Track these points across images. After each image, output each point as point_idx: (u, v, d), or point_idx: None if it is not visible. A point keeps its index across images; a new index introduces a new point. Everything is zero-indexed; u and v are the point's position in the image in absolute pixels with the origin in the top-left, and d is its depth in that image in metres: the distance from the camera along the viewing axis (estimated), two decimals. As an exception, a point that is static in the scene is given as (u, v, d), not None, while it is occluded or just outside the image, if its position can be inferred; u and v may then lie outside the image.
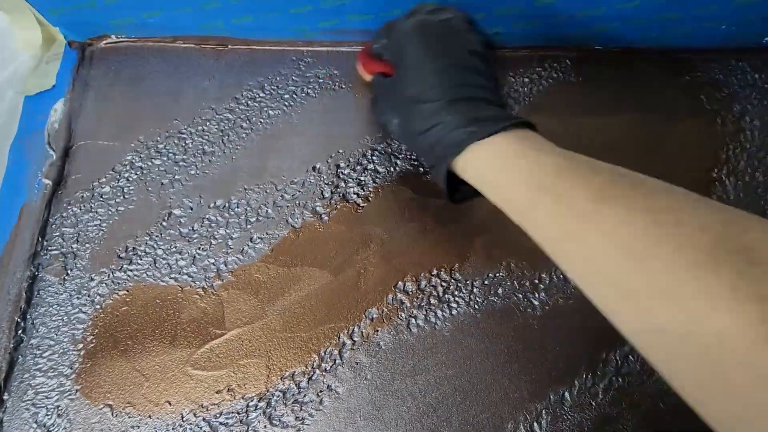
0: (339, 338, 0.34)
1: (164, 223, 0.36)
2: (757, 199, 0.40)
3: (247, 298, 0.34)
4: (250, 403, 0.32)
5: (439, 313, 0.35)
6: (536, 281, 0.36)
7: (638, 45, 0.45)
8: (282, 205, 0.37)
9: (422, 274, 0.36)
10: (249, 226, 0.36)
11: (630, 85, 0.44)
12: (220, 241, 0.36)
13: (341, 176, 0.38)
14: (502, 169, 0.27)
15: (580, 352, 0.34)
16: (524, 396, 0.33)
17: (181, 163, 0.38)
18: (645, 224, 0.20)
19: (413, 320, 0.34)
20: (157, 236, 0.36)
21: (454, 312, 0.35)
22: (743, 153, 0.41)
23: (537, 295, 0.36)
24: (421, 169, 0.39)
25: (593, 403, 0.33)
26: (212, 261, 0.35)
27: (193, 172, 0.38)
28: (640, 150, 0.41)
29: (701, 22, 0.43)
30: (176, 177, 0.38)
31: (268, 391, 0.32)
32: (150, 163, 0.38)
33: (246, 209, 0.37)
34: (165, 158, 0.38)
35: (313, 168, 0.39)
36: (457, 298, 0.35)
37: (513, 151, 0.26)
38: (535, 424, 0.32)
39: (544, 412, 0.32)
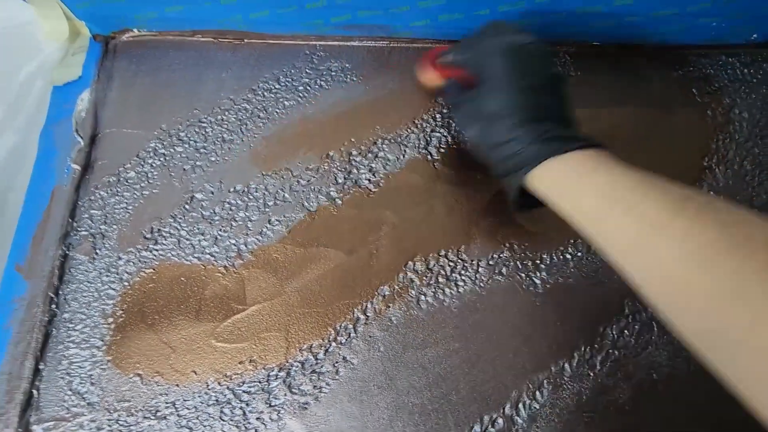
0: (353, 313, 0.36)
1: (187, 206, 0.38)
2: (745, 186, 0.42)
3: (267, 276, 0.36)
4: (271, 373, 0.34)
5: (447, 290, 0.37)
6: (538, 261, 0.38)
7: (633, 41, 0.47)
8: (298, 190, 0.39)
9: (431, 255, 0.38)
10: (267, 209, 0.38)
11: (625, 79, 0.46)
12: (240, 223, 0.38)
13: (353, 163, 0.41)
14: (575, 182, 0.28)
15: (579, 326, 0.36)
16: (527, 367, 0.35)
17: (201, 150, 0.40)
18: (716, 235, 0.21)
19: (423, 297, 0.37)
20: (180, 218, 0.38)
21: (461, 290, 0.37)
22: (732, 143, 0.44)
23: (539, 274, 0.38)
24: (429, 157, 0.41)
25: (591, 374, 0.35)
26: (233, 242, 0.37)
27: (213, 158, 0.40)
28: (635, 140, 0.44)
29: (694, 18, 0.45)
30: (197, 163, 0.40)
31: (287, 362, 0.34)
32: (173, 150, 0.40)
33: (264, 194, 0.39)
34: (187, 145, 0.40)
35: (327, 155, 0.41)
36: (463, 277, 0.37)
37: (586, 166, 0.29)
38: (538, 392, 0.34)
39: (545, 381, 0.35)
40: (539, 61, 0.33)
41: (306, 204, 0.39)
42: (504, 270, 0.38)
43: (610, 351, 0.36)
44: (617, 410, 0.34)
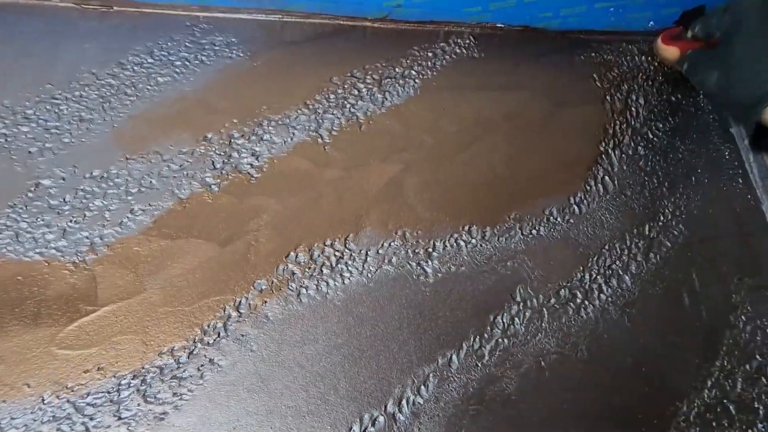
0: (224, 311, 0.32)
1: (30, 194, 0.33)
2: (639, 171, 0.42)
3: (125, 273, 0.32)
4: (123, 381, 0.30)
5: (331, 282, 0.34)
6: (430, 250, 0.36)
7: (537, 25, 0.47)
8: (168, 176, 0.35)
9: (315, 245, 0.35)
10: (130, 198, 0.34)
11: (529, 62, 0.45)
12: (95, 212, 0.33)
13: (234, 146, 0.37)
14: None
15: (470, 316, 0.35)
16: (413, 360, 0.33)
17: (53, 131, 0.35)
18: None
19: (304, 290, 0.34)
20: (21, 208, 0.33)
21: (346, 281, 0.35)
22: (628, 128, 0.44)
23: (430, 263, 0.36)
24: (320, 140, 0.39)
25: (479, 365, 0.34)
26: (86, 234, 0.33)
27: (67, 140, 0.35)
28: (536, 122, 0.43)
29: (592, 3, 0.45)
30: (47, 145, 0.35)
31: (143, 368, 0.30)
32: (16, 130, 0.35)
33: (127, 180, 0.35)
34: (34, 125, 0.35)
35: (204, 138, 0.37)
36: (350, 268, 0.35)
37: None
38: (422, 387, 0.33)
39: (431, 375, 0.33)
40: None
41: (177, 191, 0.35)
42: (394, 259, 0.36)
43: (500, 340, 0.35)
44: (504, 400, 0.33)
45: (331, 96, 0.40)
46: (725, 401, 0.35)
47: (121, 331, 0.31)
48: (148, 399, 0.30)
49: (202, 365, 0.31)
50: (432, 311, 0.35)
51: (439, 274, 0.36)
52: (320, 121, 0.39)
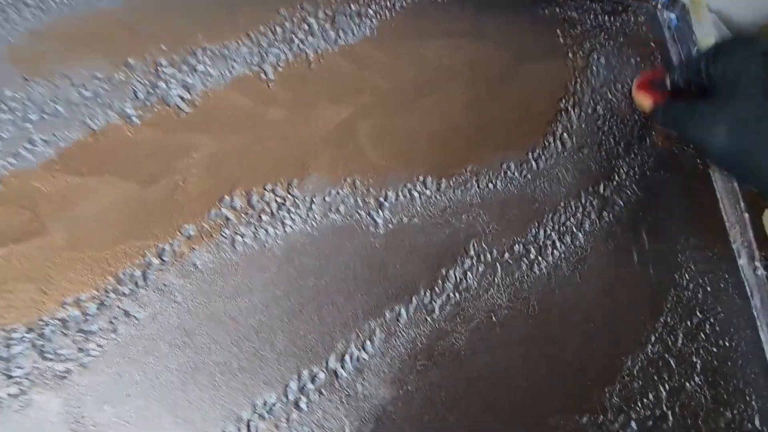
0: (144, 258, 0.28)
1: None
2: (596, 130, 0.42)
3: (20, 211, 0.27)
4: (14, 335, 0.25)
5: (271, 230, 0.31)
6: (381, 199, 0.34)
7: (503, -27, 0.45)
8: (78, 104, 0.30)
9: (254, 189, 0.32)
10: (28, 125, 0.29)
11: (492, 12, 0.43)
12: (-17, 140, 0.28)
13: (162, 76, 0.32)
14: None
15: (421, 269, 0.33)
16: (358, 314, 0.31)
17: (-72, 40, 0.29)
18: None
19: (239, 238, 0.30)
20: None
21: (288, 230, 0.31)
22: (588, 87, 0.43)
23: (381, 213, 0.34)
24: (264, 76, 0.35)
25: (429, 319, 0.32)
26: (-30, 165, 0.27)
27: (-53, 52, 0.29)
28: (495, 75, 0.41)
29: (559, -46, 0.43)
30: None
31: (41, 320, 0.26)
32: None
33: (25, 104, 0.29)
34: None
35: (126, 63, 0.32)
36: (293, 215, 0.32)
37: None
38: (368, 342, 0.30)
39: (377, 329, 0.31)
40: None
41: (89, 121, 0.30)
42: (342, 208, 0.33)
43: (451, 294, 0.33)
44: (453, 356, 0.32)
45: (278, 29, 0.36)
46: (666, 356, 0.36)
47: (14, 278, 0.26)
48: (46, 355, 0.25)
49: (115, 318, 0.27)
50: (381, 263, 0.32)
51: (390, 225, 0.33)
52: (264, 55, 0.35)
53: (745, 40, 0.34)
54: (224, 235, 0.30)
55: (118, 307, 0.27)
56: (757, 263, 0.41)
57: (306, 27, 0.37)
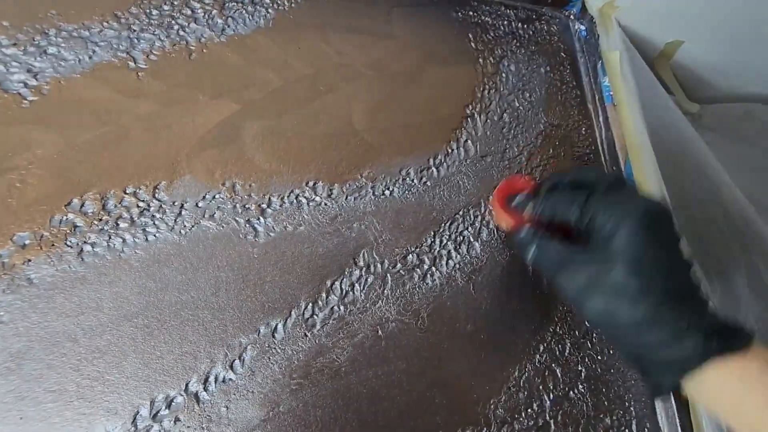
0: (-38, 271, 0.24)
1: None
2: (501, 138, 0.42)
3: None
4: None
5: (129, 238, 0.28)
6: (264, 205, 0.32)
7: (417, -29, 0.43)
8: None
9: (111, 192, 0.28)
10: None
11: (403, 11, 0.42)
12: None
13: (0, 57, 0.28)
14: (749, 393, 0.24)
15: (304, 281, 0.31)
16: (228, 331, 0.29)
17: None
18: None
19: (89, 247, 0.27)
20: None
21: (150, 238, 0.28)
22: (496, 94, 0.43)
23: (262, 221, 0.31)
24: (132, 64, 0.31)
25: (308, 334, 0.30)
26: None
27: None
28: (404, 76, 0.39)
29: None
30: None
31: None
32: None
33: None
34: None
35: (-48, 39, 0.27)
36: (157, 222, 0.29)
37: (753, 375, 0.25)
38: (237, 361, 0.28)
39: (249, 347, 0.29)
40: (672, 234, 0.29)
41: None
42: (217, 214, 0.30)
43: (336, 308, 0.31)
44: (333, 373, 0.30)
45: (154, 11, 0.32)
46: (553, 365, 0.36)
47: None
48: None
49: None
50: (258, 275, 0.30)
51: (272, 234, 0.31)
52: (135, 40, 0.31)
53: (621, 190, 0.29)
54: (69, 244, 0.27)
55: None
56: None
57: (189, 11, 0.34)
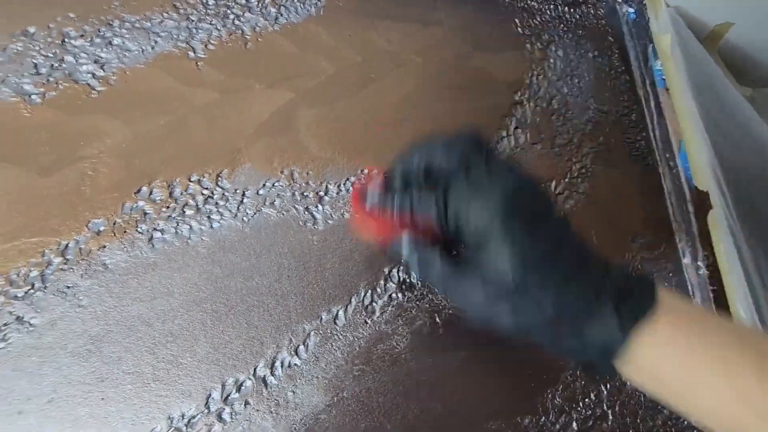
0: (43, 256, 0.25)
1: None
2: (551, 125, 0.41)
3: None
4: None
5: (196, 225, 0.28)
6: (321, 193, 0.32)
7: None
8: (-36, 77, 0.26)
9: (177, 180, 0.29)
10: None
11: (449, 0, 0.41)
12: None
13: (70, 48, 0.28)
14: (679, 373, 0.22)
15: (362, 268, 0.31)
16: (292, 317, 0.29)
17: None
18: None
19: (158, 234, 0.27)
20: None
21: (215, 225, 0.29)
22: (544, 80, 0.42)
23: (320, 208, 0.31)
24: (192, 54, 0.31)
25: (368, 321, 0.30)
26: None
27: None
28: (450, 63, 0.39)
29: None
30: None
31: None
32: None
33: None
34: None
35: (24, 32, 0.28)
36: (221, 209, 0.29)
37: (682, 345, 0.22)
38: (301, 346, 0.29)
39: (312, 333, 0.29)
40: (541, 201, 0.25)
41: (-23, 98, 0.26)
42: (277, 202, 0.30)
43: (394, 295, 0.32)
44: (393, 359, 0.30)
45: (210, 2, 0.32)
46: (609, 354, 0.36)
47: None
48: None
49: (5, 324, 0.24)
50: (319, 262, 0.30)
51: (330, 221, 0.31)
52: (194, 30, 0.31)
53: (477, 173, 0.24)
54: (140, 231, 0.27)
55: (10, 312, 0.24)
56: (700, 263, 0.41)
57: (243, 1, 0.34)
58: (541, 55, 0.43)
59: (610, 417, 0.34)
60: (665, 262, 0.41)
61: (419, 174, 0.25)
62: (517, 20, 0.43)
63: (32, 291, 0.24)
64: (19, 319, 0.24)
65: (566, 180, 0.40)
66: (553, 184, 0.39)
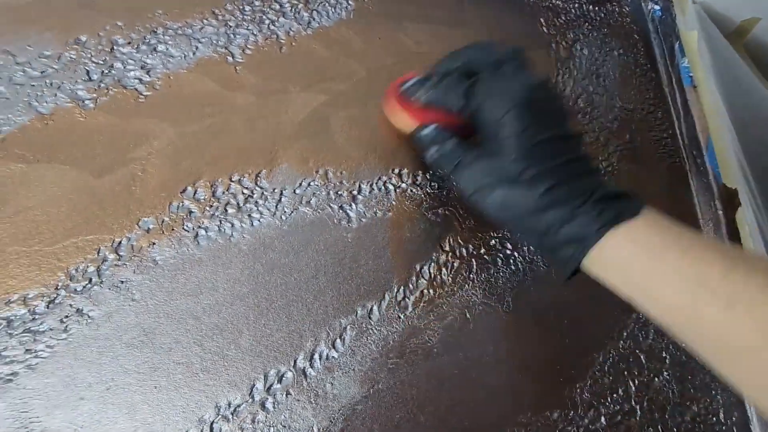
0: (99, 253, 0.27)
1: None
2: (577, 123, 0.41)
3: (-42, 202, 0.25)
4: (-48, 336, 0.24)
5: (237, 224, 0.30)
6: (355, 192, 0.33)
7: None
8: (23, 84, 0.28)
9: (219, 180, 0.30)
10: (-34, 107, 0.27)
11: (475, 1, 0.42)
12: None
13: (118, 55, 0.30)
14: (648, 266, 0.24)
15: (395, 265, 0.32)
16: (329, 312, 0.30)
17: None
18: None
19: (203, 232, 0.29)
20: None
21: (255, 223, 0.30)
22: (570, 79, 0.42)
23: (354, 207, 0.32)
24: (231, 58, 0.32)
25: (401, 316, 0.31)
26: None
27: None
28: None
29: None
30: None
31: (-17, 319, 0.24)
32: None
33: (-38, 83, 0.27)
34: None
35: (77, 40, 0.29)
36: (261, 208, 0.30)
37: (656, 242, 0.24)
38: (338, 340, 0.30)
39: (348, 327, 0.30)
40: (555, 103, 0.28)
41: (36, 104, 0.28)
42: (313, 201, 0.32)
43: (425, 291, 0.32)
44: (426, 353, 0.31)
45: (247, 8, 0.34)
46: (637, 351, 0.36)
47: (-49, 275, 0.24)
48: (-12, 357, 0.24)
49: (66, 316, 0.25)
50: (353, 259, 0.31)
51: (364, 219, 0.32)
52: (232, 36, 0.33)
53: (503, 70, 0.27)
54: (186, 228, 0.28)
55: (70, 305, 0.25)
56: (728, 259, 0.41)
57: (277, 6, 0.35)
58: (566, 54, 0.43)
59: (638, 412, 0.34)
60: (692, 259, 0.41)
61: (456, 70, 0.28)
62: (542, 19, 0.43)
63: (90, 285, 0.26)
64: (78, 311, 0.25)
65: (592, 178, 0.40)
66: (579, 182, 0.39)
